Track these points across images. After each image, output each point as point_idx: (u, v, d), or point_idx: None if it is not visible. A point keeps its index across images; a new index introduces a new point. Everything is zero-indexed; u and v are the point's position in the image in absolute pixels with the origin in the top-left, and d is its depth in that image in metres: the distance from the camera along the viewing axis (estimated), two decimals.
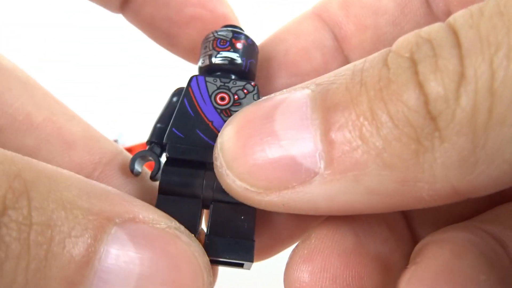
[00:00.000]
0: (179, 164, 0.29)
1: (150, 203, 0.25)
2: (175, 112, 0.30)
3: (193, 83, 0.31)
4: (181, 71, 0.39)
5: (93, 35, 0.79)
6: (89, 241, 0.20)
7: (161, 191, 0.29)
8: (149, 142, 0.31)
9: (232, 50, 0.32)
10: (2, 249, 0.19)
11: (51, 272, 0.19)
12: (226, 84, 0.31)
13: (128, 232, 0.22)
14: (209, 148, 0.29)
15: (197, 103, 0.31)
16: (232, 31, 0.33)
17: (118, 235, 0.21)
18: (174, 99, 0.32)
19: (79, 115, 0.31)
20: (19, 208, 0.19)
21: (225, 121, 0.29)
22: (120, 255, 0.21)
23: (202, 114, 0.30)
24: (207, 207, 0.29)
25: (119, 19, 0.35)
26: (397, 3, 0.31)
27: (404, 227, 0.27)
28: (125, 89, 0.79)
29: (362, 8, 0.32)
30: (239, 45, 0.32)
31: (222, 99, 0.31)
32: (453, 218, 0.26)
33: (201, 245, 0.25)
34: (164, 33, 0.34)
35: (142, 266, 0.22)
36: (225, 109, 0.30)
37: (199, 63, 0.33)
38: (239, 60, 0.32)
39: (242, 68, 0.32)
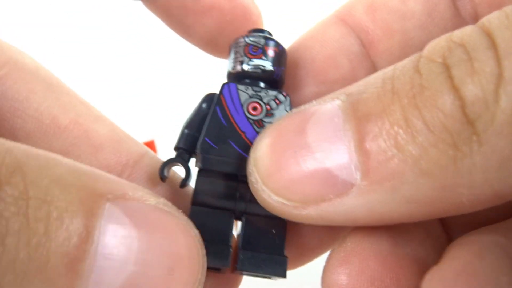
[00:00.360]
0: (212, 175, 0.30)
1: (177, 206, 0.25)
2: (207, 120, 0.30)
3: (225, 91, 0.31)
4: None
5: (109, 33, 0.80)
6: (86, 216, 0.20)
7: (195, 202, 0.29)
8: (177, 148, 0.31)
9: (264, 57, 0.32)
10: (2, 224, 0.18)
11: (52, 248, 0.19)
12: (258, 94, 0.31)
13: (122, 208, 0.22)
14: (242, 160, 0.29)
15: (230, 112, 0.30)
16: (264, 37, 0.33)
17: (113, 211, 0.21)
18: (204, 105, 0.32)
19: (104, 115, 0.31)
20: (15, 183, 0.19)
21: (257, 133, 0.29)
22: (118, 230, 0.21)
23: (235, 124, 0.30)
24: (239, 219, 0.30)
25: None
26: (424, 6, 0.31)
27: (440, 230, 0.27)
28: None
29: (389, 13, 0.32)
30: (271, 53, 0.32)
31: (255, 109, 0.31)
32: (489, 219, 0.26)
33: (189, 220, 0.25)
34: (180, 21, 0.34)
35: (140, 240, 0.22)
36: (257, 120, 0.30)
37: (229, 68, 0.33)
38: (271, 68, 0.32)
39: (273, 76, 0.32)
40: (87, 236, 0.20)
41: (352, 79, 0.26)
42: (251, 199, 0.28)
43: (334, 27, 0.33)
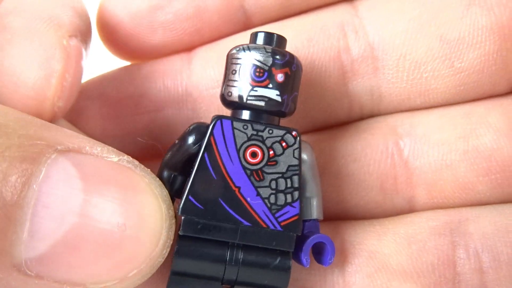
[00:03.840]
0: (197, 242, 0.25)
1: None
2: (193, 171, 0.25)
3: (217, 131, 0.25)
4: None
5: None
6: (25, 162, 0.20)
7: (174, 272, 0.25)
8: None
9: (270, 85, 0.25)
10: None
11: None
12: (260, 134, 0.25)
13: (74, 162, 0.21)
14: (234, 223, 0.25)
15: (221, 161, 0.25)
16: (273, 52, 0.25)
17: (60, 161, 0.21)
18: (190, 139, 0.25)
19: None
20: None
21: (255, 188, 0.25)
22: (62, 180, 0.21)
23: (228, 178, 0.25)
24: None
25: None
26: None
27: None
28: None
29: None
30: (280, 77, 0.25)
31: (254, 155, 0.25)
32: None
33: (158, 179, 0.24)
34: None
35: (86, 193, 0.21)
36: (256, 170, 0.25)
37: (222, 90, 0.26)
38: (278, 100, 0.25)
39: (282, 109, 0.26)
40: (25, 182, 0.20)
41: None
42: (243, 270, 0.25)
43: None
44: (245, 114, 0.26)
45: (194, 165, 0.25)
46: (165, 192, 0.24)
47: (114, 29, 0.32)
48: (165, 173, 0.26)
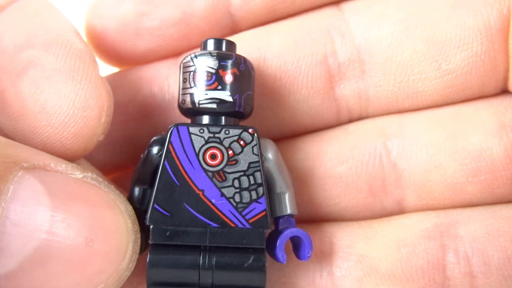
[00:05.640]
0: (169, 249, 0.25)
1: None
2: (156, 181, 0.25)
3: (174, 138, 0.25)
4: None
5: None
6: None
7: (150, 283, 0.25)
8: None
9: (220, 87, 0.26)
10: None
11: None
12: (216, 135, 0.25)
13: (38, 177, 0.22)
14: (202, 226, 0.25)
15: (182, 166, 0.25)
16: (218, 56, 0.26)
17: (27, 179, 0.21)
18: (154, 150, 0.26)
19: None
20: None
21: (219, 189, 0.25)
22: (30, 197, 0.21)
23: (190, 182, 0.25)
24: None
25: None
26: None
27: None
28: None
29: None
30: (228, 78, 0.26)
31: (213, 157, 0.25)
32: None
33: (121, 194, 0.24)
34: None
35: (54, 210, 0.22)
36: (217, 171, 0.25)
37: (179, 101, 0.27)
38: (230, 99, 0.26)
39: (235, 109, 0.26)
40: None
41: None
42: (218, 273, 0.25)
43: None
44: (204, 120, 0.27)
45: (157, 175, 0.25)
46: (130, 207, 0.24)
47: (101, 35, 0.32)
48: (136, 189, 0.26)
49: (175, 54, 0.32)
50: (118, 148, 0.31)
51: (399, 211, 0.31)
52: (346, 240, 0.30)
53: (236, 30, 0.32)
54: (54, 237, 0.22)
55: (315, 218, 0.31)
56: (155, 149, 0.26)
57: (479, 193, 0.29)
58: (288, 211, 0.28)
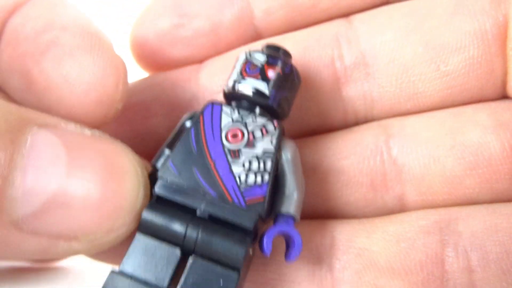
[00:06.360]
0: (168, 204, 0.26)
1: None
2: (177, 143, 0.27)
3: (207, 112, 0.28)
4: None
5: None
6: (13, 133, 0.23)
7: (141, 229, 0.26)
8: (153, 165, 0.28)
9: (260, 78, 0.28)
10: None
11: None
12: (244, 119, 0.27)
13: (54, 133, 0.24)
14: (203, 191, 0.26)
15: (205, 137, 0.27)
16: (268, 54, 0.28)
17: (42, 132, 0.24)
18: (187, 124, 0.28)
19: None
20: None
21: (229, 164, 0.26)
22: (47, 145, 0.24)
23: (207, 151, 0.26)
24: (186, 259, 0.26)
25: None
26: None
27: None
28: None
29: None
30: (271, 74, 0.28)
31: (235, 136, 0.27)
32: None
33: (127, 146, 0.26)
34: None
35: (69, 156, 0.24)
36: (234, 150, 0.27)
37: (224, 87, 0.30)
38: (265, 92, 0.28)
39: (269, 102, 0.28)
40: (14, 149, 0.23)
41: None
42: (202, 239, 0.25)
43: None
44: (238, 105, 0.29)
45: (180, 137, 0.27)
46: (138, 157, 0.27)
47: (142, 46, 0.36)
48: (166, 151, 0.28)
49: (203, 61, 0.36)
50: (139, 141, 0.35)
51: (400, 206, 0.31)
52: (346, 234, 0.31)
53: (258, 38, 0.36)
54: (71, 179, 0.24)
55: (316, 212, 0.32)
56: (189, 123, 0.28)
57: (478, 188, 0.30)
58: (291, 212, 0.28)
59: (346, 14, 0.34)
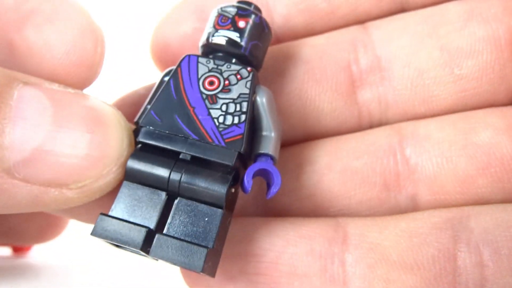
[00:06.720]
0: (151, 150, 0.28)
1: None
2: (158, 92, 0.29)
3: (184, 63, 0.29)
4: None
5: None
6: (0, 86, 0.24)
7: (127, 177, 0.28)
8: (137, 123, 0.29)
9: (232, 28, 0.29)
10: None
11: None
12: (220, 67, 0.29)
13: (39, 89, 0.26)
14: (185, 135, 0.28)
15: (183, 85, 0.28)
16: (238, 7, 0.30)
17: (27, 88, 0.25)
18: (166, 78, 0.30)
19: None
20: None
21: (208, 109, 0.28)
22: (33, 98, 0.25)
23: (186, 99, 0.28)
24: (172, 201, 0.27)
25: None
26: None
27: None
28: None
29: None
30: (241, 24, 0.29)
31: (211, 83, 0.28)
32: None
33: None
34: None
35: (54, 107, 0.25)
36: (211, 95, 0.28)
37: (199, 41, 0.31)
38: (237, 40, 0.29)
39: (241, 50, 0.29)
40: (2, 100, 0.24)
41: None
42: (185, 180, 0.27)
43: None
44: (213, 56, 0.30)
45: (160, 88, 0.29)
46: (119, 112, 0.29)
47: (164, 49, 0.38)
48: (147, 107, 0.29)
49: None
50: None
51: (413, 206, 0.32)
52: (358, 229, 0.31)
53: (277, 43, 0.37)
54: (58, 129, 0.26)
55: (330, 211, 0.33)
56: (166, 78, 0.30)
57: (490, 187, 0.30)
58: (269, 151, 0.29)
59: (363, 21, 0.36)
